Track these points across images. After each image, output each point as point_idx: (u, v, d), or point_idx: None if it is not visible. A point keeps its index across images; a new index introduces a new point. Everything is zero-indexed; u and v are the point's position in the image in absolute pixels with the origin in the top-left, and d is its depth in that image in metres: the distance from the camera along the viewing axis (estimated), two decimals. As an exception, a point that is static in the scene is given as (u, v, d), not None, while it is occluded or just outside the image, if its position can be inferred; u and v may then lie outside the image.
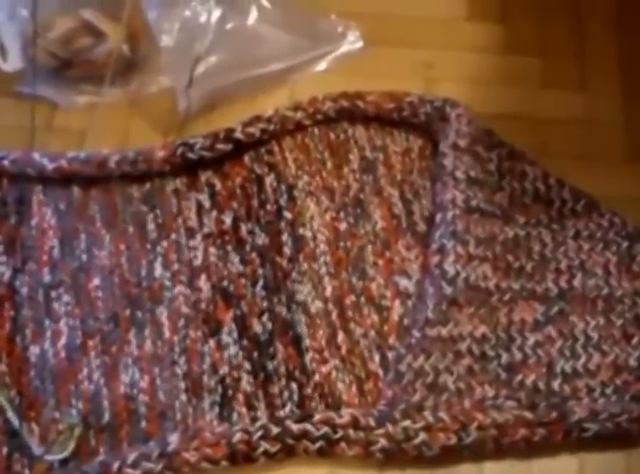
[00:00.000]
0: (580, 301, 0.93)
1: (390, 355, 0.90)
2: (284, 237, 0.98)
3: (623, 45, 1.15)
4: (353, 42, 1.15)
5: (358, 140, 1.05)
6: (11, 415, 0.86)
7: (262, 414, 0.87)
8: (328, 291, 0.94)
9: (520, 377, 0.88)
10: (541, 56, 1.14)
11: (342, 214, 0.99)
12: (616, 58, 1.14)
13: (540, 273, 0.94)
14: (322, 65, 1.13)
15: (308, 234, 0.98)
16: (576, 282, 0.94)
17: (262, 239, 0.98)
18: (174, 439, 0.83)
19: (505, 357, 0.89)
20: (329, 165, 1.03)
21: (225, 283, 0.95)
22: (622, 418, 0.84)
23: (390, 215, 0.99)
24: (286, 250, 0.97)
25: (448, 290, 0.91)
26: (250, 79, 1.09)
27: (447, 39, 1.16)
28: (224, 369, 0.90)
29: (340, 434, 0.83)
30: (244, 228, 0.98)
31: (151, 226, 0.99)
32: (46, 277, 0.95)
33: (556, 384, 0.87)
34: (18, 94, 1.10)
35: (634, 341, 0.90)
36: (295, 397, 0.88)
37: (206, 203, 1.00)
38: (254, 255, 0.97)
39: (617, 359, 0.89)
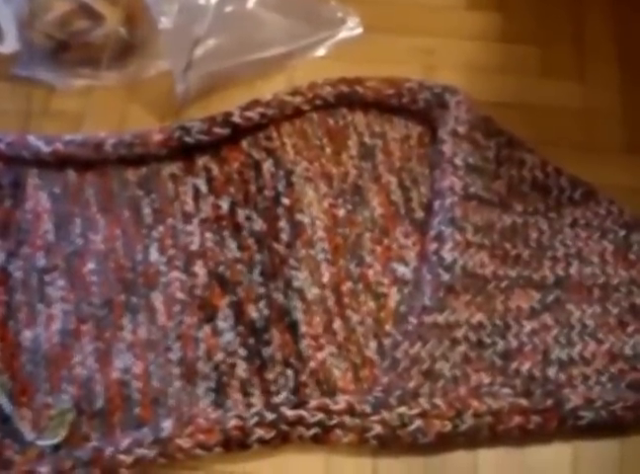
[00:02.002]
0: (576, 289, 0.93)
1: (387, 341, 0.90)
2: (282, 223, 0.97)
3: (622, 35, 1.15)
4: (352, 28, 1.14)
5: (356, 126, 1.04)
6: (3, 400, 0.86)
7: (257, 400, 0.87)
8: (325, 278, 0.94)
9: (515, 365, 0.88)
10: (540, 45, 1.14)
11: (340, 201, 0.99)
12: (615, 48, 1.14)
13: (537, 260, 0.94)
14: (321, 51, 1.13)
15: (306, 220, 0.97)
16: (572, 271, 0.94)
17: (259, 225, 0.97)
18: (167, 426, 0.83)
19: (501, 345, 0.89)
20: (327, 151, 1.02)
21: (222, 269, 0.94)
22: (617, 406, 0.84)
23: (388, 202, 0.99)
24: (284, 236, 0.96)
25: (446, 277, 0.90)
26: (248, 63, 1.09)
27: (447, 26, 1.16)
28: (219, 356, 0.89)
29: (335, 420, 0.83)
30: (241, 214, 0.98)
31: (147, 211, 0.98)
32: (41, 262, 0.95)
33: (552, 372, 0.87)
34: (14, 77, 1.09)
35: (630, 329, 0.90)
36: (291, 384, 0.88)
37: (203, 188, 1.00)
38: (251, 241, 0.96)
39: (613, 348, 0.89)
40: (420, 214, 0.98)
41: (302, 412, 0.83)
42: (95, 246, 0.96)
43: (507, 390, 0.85)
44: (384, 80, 1.05)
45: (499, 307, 0.91)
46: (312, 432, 0.83)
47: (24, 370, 0.88)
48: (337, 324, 0.91)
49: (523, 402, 0.84)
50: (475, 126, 1.01)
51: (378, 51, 1.12)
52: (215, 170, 1.01)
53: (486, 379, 0.86)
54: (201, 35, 1.05)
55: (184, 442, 0.82)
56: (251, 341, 0.90)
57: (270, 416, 0.83)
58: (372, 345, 0.90)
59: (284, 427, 0.83)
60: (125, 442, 0.82)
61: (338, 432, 0.83)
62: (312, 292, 0.93)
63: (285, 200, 0.99)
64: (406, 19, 1.16)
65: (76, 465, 0.81)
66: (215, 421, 0.83)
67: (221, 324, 0.91)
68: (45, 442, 0.83)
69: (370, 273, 0.94)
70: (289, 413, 0.83)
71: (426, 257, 0.93)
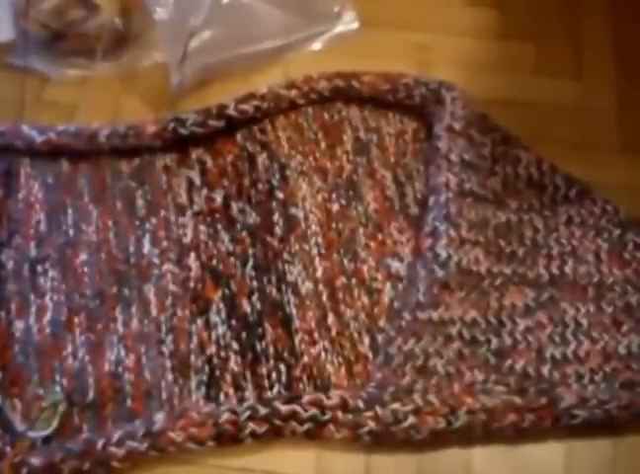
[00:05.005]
0: (570, 288, 0.92)
1: (380, 337, 0.90)
2: (276, 217, 0.97)
3: (618, 33, 1.15)
4: (348, 23, 1.14)
5: (352, 121, 1.04)
6: (-6, 391, 0.86)
7: (249, 394, 0.87)
8: (319, 273, 0.94)
9: (509, 362, 0.87)
10: (537, 42, 1.14)
11: (334, 195, 0.99)
12: (611, 46, 1.14)
13: (532, 258, 0.94)
14: (317, 45, 1.13)
15: (300, 214, 0.97)
16: (567, 269, 0.93)
17: (253, 218, 0.97)
18: (159, 419, 0.83)
19: (495, 342, 0.88)
20: (322, 145, 1.02)
21: (215, 262, 0.94)
22: (611, 405, 0.84)
23: (383, 197, 0.99)
24: (278, 230, 0.96)
25: (440, 274, 0.90)
26: (244, 56, 1.08)
27: (443, 22, 1.16)
28: (212, 349, 0.89)
29: (328, 415, 0.83)
30: (235, 207, 0.98)
31: (140, 202, 0.98)
32: (32, 252, 0.95)
33: (545, 370, 0.87)
34: (8, 66, 1.09)
35: (624, 329, 0.90)
36: (284, 378, 0.88)
37: (197, 181, 0.99)
38: (244, 234, 0.96)
39: (607, 347, 0.89)
40: (414, 210, 0.98)
41: (295, 407, 0.83)
42: (87, 237, 0.96)
43: (501, 388, 0.85)
44: (380, 75, 1.05)
45: (493, 304, 0.90)
46: (305, 427, 0.83)
47: (15, 361, 0.88)
48: (330, 319, 0.91)
49: (517, 400, 0.83)
50: (471, 123, 1.01)
51: (374, 46, 1.12)
52: (209, 162, 1.01)
53: (480, 377, 0.86)
54: (197, 26, 1.04)
55: (176, 436, 0.82)
56: (244, 335, 0.90)
57: (263, 410, 0.83)
58: (366, 340, 0.90)
59: (277, 421, 0.83)
60: (117, 435, 0.81)
61: (331, 427, 0.83)
62: (306, 287, 0.93)
63: (280, 194, 0.99)
64: (403, 14, 1.16)
65: (67, 457, 0.80)
66: (208, 414, 0.83)
67: (214, 317, 0.91)
68: (37, 434, 0.83)
69: (364, 268, 0.94)
70: (283, 407, 0.83)
71: (420, 253, 0.93)
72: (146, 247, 0.95)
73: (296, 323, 0.91)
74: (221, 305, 0.92)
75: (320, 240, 0.96)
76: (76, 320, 0.91)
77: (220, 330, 0.90)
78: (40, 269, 0.94)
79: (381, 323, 0.91)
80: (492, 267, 0.92)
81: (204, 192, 0.99)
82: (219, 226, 0.96)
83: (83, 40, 1.07)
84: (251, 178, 1.00)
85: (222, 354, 0.89)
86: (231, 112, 1.01)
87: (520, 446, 0.85)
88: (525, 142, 1.02)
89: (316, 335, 0.90)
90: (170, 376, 0.88)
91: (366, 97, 1.05)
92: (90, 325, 0.90)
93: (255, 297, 0.92)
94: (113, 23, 1.07)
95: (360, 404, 0.83)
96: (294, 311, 0.91)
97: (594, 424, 0.84)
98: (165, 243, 0.95)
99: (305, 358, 0.88)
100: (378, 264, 0.94)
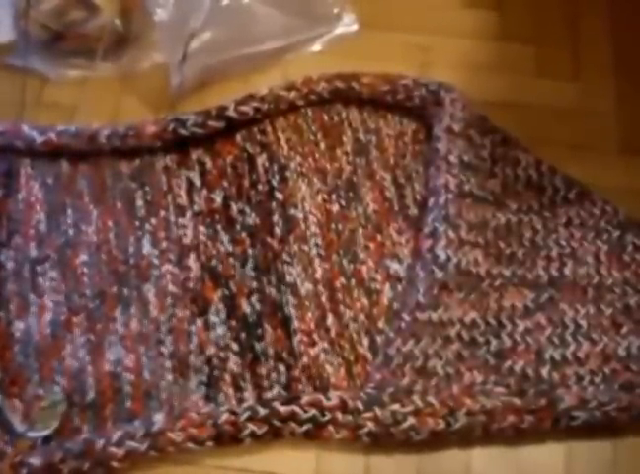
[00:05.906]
0: (570, 289, 0.92)
1: (379, 338, 0.90)
2: (275, 218, 0.97)
3: (618, 35, 1.15)
4: (348, 25, 1.14)
5: (351, 122, 1.04)
6: (-7, 391, 0.86)
7: (249, 395, 0.87)
8: (318, 273, 0.94)
9: (509, 363, 0.87)
10: (536, 44, 1.14)
11: (334, 196, 0.99)
12: (611, 48, 1.14)
13: (531, 259, 0.94)
14: (316, 46, 1.13)
15: (299, 215, 0.97)
16: (566, 270, 0.93)
17: (252, 219, 0.97)
18: (159, 419, 0.83)
19: (494, 344, 0.88)
20: (322, 146, 1.02)
21: (214, 263, 0.94)
22: (611, 407, 0.84)
23: (382, 199, 0.99)
24: (277, 231, 0.96)
25: (439, 275, 0.90)
26: (244, 57, 1.08)
27: (443, 24, 1.16)
28: (211, 349, 0.89)
29: (327, 416, 0.83)
30: (234, 208, 0.98)
31: (140, 203, 0.98)
32: (32, 252, 0.95)
33: (545, 371, 0.87)
34: (8, 66, 1.09)
35: (623, 330, 0.90)
36: (283, 379, 0.88)
37: (197, 181, 0.99)
38: (244, 235, 0.96)
39: (606, 348, 0.89)
40: (414, 211, 0.98)
41: (295, 407, 0.83)
42: (87, 237, 0.96)
43: (500, 389, 0.85)
44: (380, 76, 1.04)
45: (492, 306, 0.91)
46: (304, 427, 0.83)
47: (15, 361, 0.88)
48: (330, 320, 0.91)
49: (517, 401, 0.84)
50: (470, 124, 1.01)
51: (374, 48, 1.12)
52: (209, 163, 1.01)
53: (479, 378, 0.86)
54: (197, 27, 1.04)
55: (175, 436, 0.82)
56: (243, 335, 0.90)
57: (262, 411, 0.83)
58: (365, 341, 0.90)
59: (277, 422, 0.83)
60: (117, 435, 0.82)
61: (330, 428, 0.83)
62: (305, 288, 0.93)
63: (279, 195, 0.99)
64: (402, 16, 1.16)
65: (67, 457, 0.81)
66: (207, 415, 0.83)
67: (213, 318, 0.91)
68: (36, 434, 0.83)
69: (364, 269, 0.94)
70: (282, 408, 0.83)
71: (419, 254, 0.93)
72: (146, 247, 0.95)
73: (296, 324, 0.91)
74: (221, 306, 0.92)
75: (319, 241, 0.96)
76: (76, 320, 0.91)
77: (220, 330, 0.90)
78: (39, 269, 0.94)
79: (380, 324, 0.91)
80: (491, 268, 0.93)
81: (204, 192, 0.99)
82: (219, 227, 0.96)
83: (83, 41, 1.07)
84: (251, 179, 1.00)
85: (222, 354, 0.89)
86: (231, 113, 1.01)
87: (520, 448, 0.85)
88: (525, 144, 1.02)
89: (315, 336, 0.90)
90: (169, 377, 0.88)
91: (366, 98, 1.04)
92: (90, 325, 0.90)
93: (254, 298, 0.92)
94: (113, 24, 1.06)
95: (360, 405, 0.83)
96: (294, 312, 0.91)
97: (593, 425, 0.84)
98: (165, 244, 0.95)
99: (305, 359, 0.89)
100: (378, 265, 0.94)
